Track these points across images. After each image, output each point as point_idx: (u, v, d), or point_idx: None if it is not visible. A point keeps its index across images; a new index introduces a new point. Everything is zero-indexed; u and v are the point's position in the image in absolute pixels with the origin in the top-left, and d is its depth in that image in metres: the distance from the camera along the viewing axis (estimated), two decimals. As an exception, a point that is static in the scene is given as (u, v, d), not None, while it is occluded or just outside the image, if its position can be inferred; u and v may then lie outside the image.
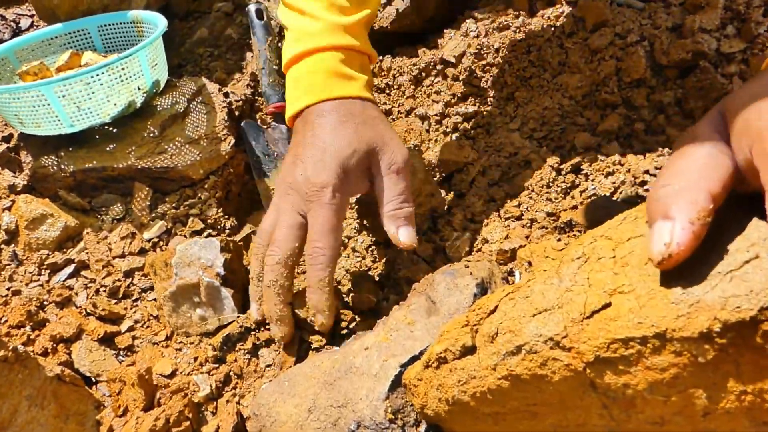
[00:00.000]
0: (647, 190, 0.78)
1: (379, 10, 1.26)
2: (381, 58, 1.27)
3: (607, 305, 0.42)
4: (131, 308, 1.01)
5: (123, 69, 1.08)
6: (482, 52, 1.14)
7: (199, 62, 1.46)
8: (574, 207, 0.87)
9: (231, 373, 0.83)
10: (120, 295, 1.03)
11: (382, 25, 1.26)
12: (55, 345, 0.94)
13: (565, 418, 0.46)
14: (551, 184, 0.94)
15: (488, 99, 1.13)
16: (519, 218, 0.92)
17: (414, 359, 0.59)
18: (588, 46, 1.01)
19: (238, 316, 0.87)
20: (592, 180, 0.89)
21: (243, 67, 1.43)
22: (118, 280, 1.04)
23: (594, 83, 1.01)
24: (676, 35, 0.93)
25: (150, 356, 0.90)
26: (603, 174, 0.87)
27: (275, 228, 0.81)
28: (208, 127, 1.20)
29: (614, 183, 0.83)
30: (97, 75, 1.06)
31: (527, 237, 0.81)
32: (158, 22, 1.21)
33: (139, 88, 1.14)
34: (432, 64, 1.20)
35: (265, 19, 1.32)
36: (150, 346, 0.94)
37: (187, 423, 0.77)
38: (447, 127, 1.17)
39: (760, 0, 0.90)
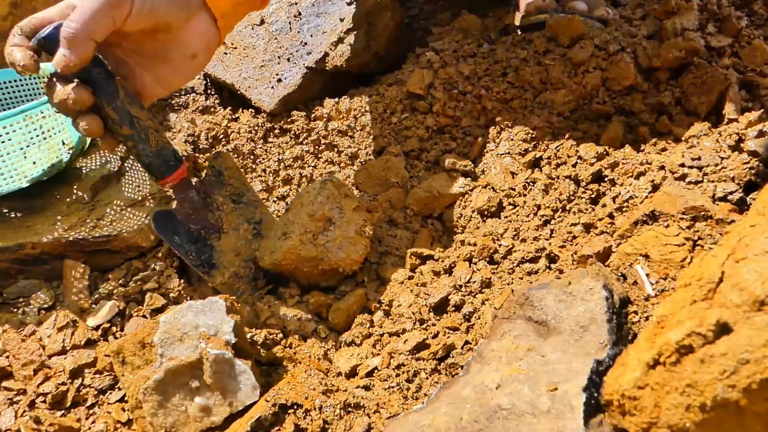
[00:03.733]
0: (698, 184, 0.74)
1: (331, 49, 1.18)
2: (337, 100, 1.17)
3: None
4: (86, 417, 0.75)
5: (44, 117, 0.87)
6: (453, 81, 1.09)
7: (115, 125, 1.25)
8: (610, 215, 0.81)
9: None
10: (68, 404, 0.76)
11: (336, 64, 1.17)
12: (-17, 489, 0.66)
13: None
14: (572, 198, 0.88)
15: (467, 128, 1.08)
16: (551, 236, 0.84)
17: (595, 377, 0.46)
18: (569, 60, 1.00)
19: (263, 394, 0.67)
20: (621, 184, 0.84)
21: (171, 127, 1.24)
22: (62, 383, 0.78)
23: (581, 96, 0.99)
24: (657, 40, 0.96)
25: None
26: (632, 176, 0.83)
27: None
28: (152, 185, 1.00)
29: (652, 181, 0.79)
30: (11, 125, 0.84)
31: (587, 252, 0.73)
32: (78, 70, 1.01)
33: (63, 143, 0.92)
34: (397, 99, 1.13)
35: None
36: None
37: None
38: (428, 161, 1.08)
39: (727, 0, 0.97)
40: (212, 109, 1.29)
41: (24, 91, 1.08)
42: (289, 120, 1.17)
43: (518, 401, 0.46)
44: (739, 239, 0.41)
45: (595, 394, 0.46)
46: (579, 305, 0.55)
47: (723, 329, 0.38)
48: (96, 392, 0.78)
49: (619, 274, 0.64)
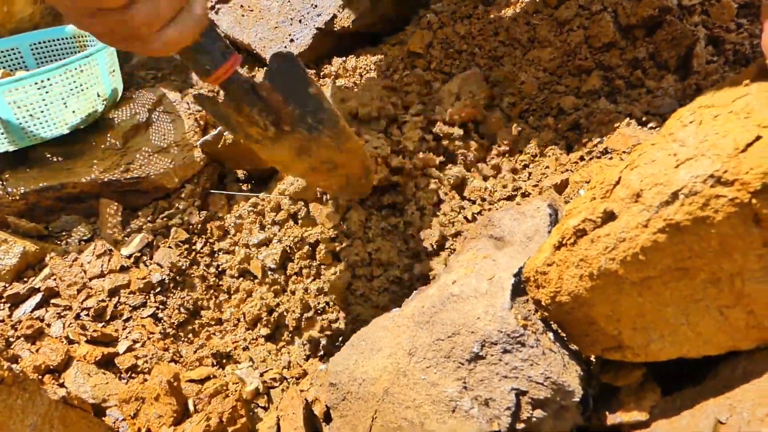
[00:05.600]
0: (653, 129, 0.82)
1: (339, 11, 1.27)
2: (344, 58, 1.27)
3: (759, 137, 0.44)
4: (123, 328, 0.89)
5: (82, 71, 0.99)
6: (449, 40, 1.17)
7: (143, 84, 1.37)
8: (581, 158, 0.90)
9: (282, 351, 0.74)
10: (107, 317, 0.90)
11: (343, 26, 1.26)
12: (40, 377, 0.79)
13: (720, 269, 0.46)
14: (550, 144, 0.97)
15: (462, 83, 1.16)
16: (529, 178, 0.94)
17: (521, 272, 0.57)
18: (555, 20, 1.08)
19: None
20: (593, 131, 0.93)
21: (192, 86, 1.36)
22: (102, 300, 0.91)
23: (566, 53, 1.07)
24: (636, 0, 1.03)
25: (167, 370, 0.78)
26: (603, 124, 0.92)
27: None
28: (176, 134, 1.11)
29: (617, 127, 0.88)
30: (53, 78, 0.96)
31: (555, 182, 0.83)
32: (109, 31, 1.12)
33: (98, 95, 1.04)
34: (399, 58, 1.22)
35: None
36: (161, 363, 0.82)
37: (243, 420, 0.67)
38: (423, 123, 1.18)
39: (701, -38, 1.03)
40: (230, 69, 1.40)
41: (63, 48, 1.20)
42: (299, 78, 1.27)
43: (466, 288, 0.57)
44: (639, 153, 0.51)
45: (523, 279, 0.57)
46: (528, 221, 0.65)
47: (610, 216, 0.48)
48: (130, 308, 0.91)
49: (568, 198, 0.74)
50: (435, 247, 0.91)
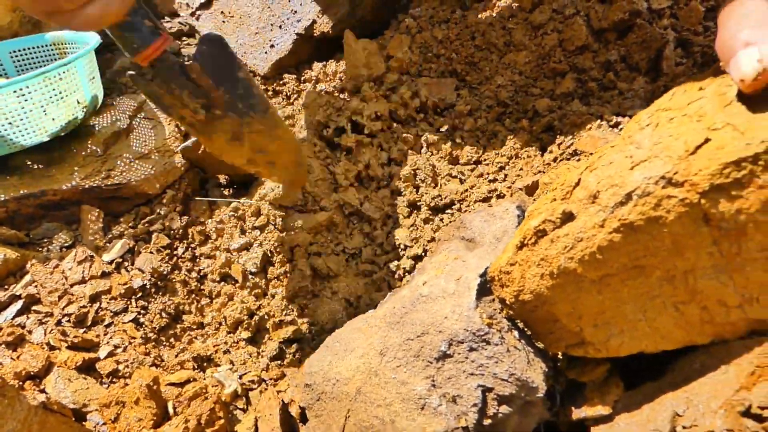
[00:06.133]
0: (621, 130, 0.84)
1: (318, 17, 1.28)
2: (324, 63, 1.28)
3: (708, 140, 0.45)
4: (104, 334, 0.89)
5: (61, 79, 1.00)
6: (428, 44, 1.19)
7: (125, 91, 1.38)
8: (555, 159, 0.92)
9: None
10: (88, 323, 0.90)
11: (323, 31, 1.28)
12: (21, 383, 0.80)
13: (674, 266, 0.48)
14: (525, 146, 0.99)
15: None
16: (504, 180, 0.96)
17: (487, 272, 0.58)
18: (530, 24, 1.10)
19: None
20: (566, 133, 0.95)
21: (174, 91, 1.36)
22: (83, 306, 0.92)
23: (540, 56, 1.09)
24: (608, 4, 1.05)
25: (147, 374, 0.79)
26: (576, 125, 0.94)
27: None
28: (157, 140, 1.12)
29: (590, 129, 0.90)
30: (32, 86, 0.96)
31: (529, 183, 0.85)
32: (88, 38, 1.13)
33: (78, 102, 1.05)
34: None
35: None
36: (142, 367, 0.83)
37: (221, 422, 0.68)
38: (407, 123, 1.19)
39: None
40: (212, 75, 1.41)
41: (43, 55, 1.20)
42: (281, 83, 1.29)
43: (435, 289, 0.59)
44: (599, 156, 0.53)
45: (488, 279, 0.58)
46: (497, 223, 0.67)
47: (568, 217, 0.50)
48: (111, 314, 0.92)
49: (537, 199, 0.76)
50: (407, 246, 0.92)
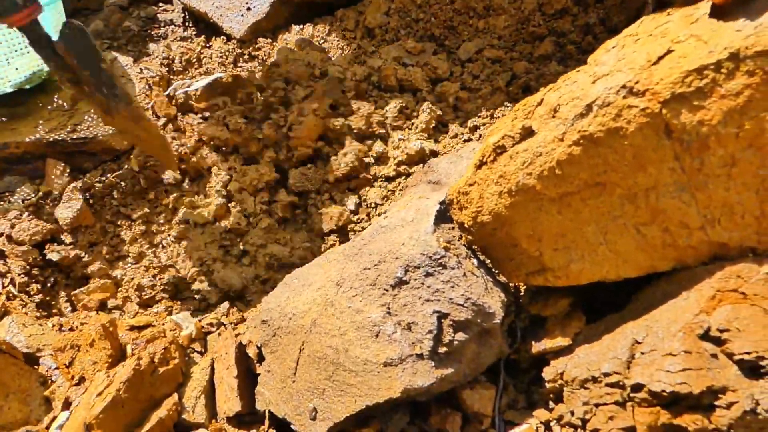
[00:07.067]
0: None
1: (297, -19, 1.26)
2: (302, 27, 1.26)
3: (671, 50, 0.44)
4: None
5: (27, 29, 0.97)
6: (406, 9, 1.18)
7: (97, 53, 1.35)
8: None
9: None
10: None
11: (302, -5, 1.26)
12: (-27, 329, 0.77)
13: (635, 183, 0.46)
14: (501, 105, 0.98)
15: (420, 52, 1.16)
16: (479, 139, 0.94)
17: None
18: (510, -13, 1.09)
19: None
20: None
21: (149, 54, 1.34)
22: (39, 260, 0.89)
23: (520, 21, 1.08)
24: (588, -33, 1.04)
25: (104, 317, 0.77)
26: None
27: None
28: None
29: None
30: (-4, 34, 0.94)
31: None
32: (56, -8, 1.10)
33: (44, 54, 1.02)
34: (356, 24, 1.22)
35: None
36: (100, 313, 0.81)
37: (176, 361, 0.66)
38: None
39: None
40: (189, 39, 1.38)
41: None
42: (256, 47, 1.27)
43: (395, 220, 0.57)
44: (564, 79, 0.51)
45: (446, 202, 0.57)
46: (464, 162, 0.66)
47: (528, 132, 0.48)
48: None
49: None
50: (377, 204, 0.91)
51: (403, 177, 0.95)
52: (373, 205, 0.92)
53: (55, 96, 1.06)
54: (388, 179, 0.95)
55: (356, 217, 0.91)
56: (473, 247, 0.54)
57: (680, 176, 0.46)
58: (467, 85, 1.07)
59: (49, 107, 1.05)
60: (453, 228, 0.55)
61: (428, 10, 1.17)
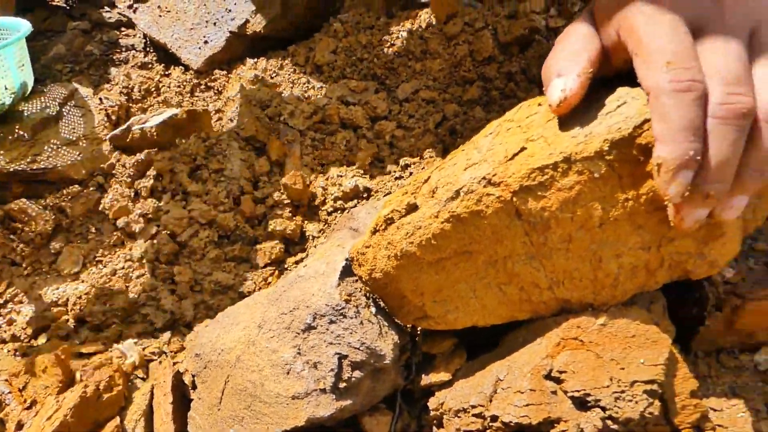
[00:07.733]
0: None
1: (251, 17, 1.35)
2: (256, 60, 1.34)
3: (524, 149, 0.54)
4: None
5: (-11, 66, 1.03)
6: (352, 48, 1.27)
7: (59, 78, 1.41)
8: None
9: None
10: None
11: (255, 30, 1.34)
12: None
13: (495, 252, 0.57)
14: (429, 146, 1.08)
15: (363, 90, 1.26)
16: (408, 177, 1.04)
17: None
18: (444, 35, 1.19)
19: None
20: (467, 137, 1.04)
21: (110, 80, 1.40)
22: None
23: (453, 65, 1.18)
24: (514, 19, 1.14)
25: (57, 345, 0.85)
26: (474, 131, 1.03)
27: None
28: (86, 128, 1.17)
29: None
30: (-40, 72, 1.00)
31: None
32: (20, 25, 1.16)
33: (6, 88, 1.09)
34: (307, 60, 1.31)
35: None
36: (54, 340, 0.88)
37: (119, 388, 0.74)
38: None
39: (571, -12, 1.16)
40: (149, 66, 1.46)
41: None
42: (213, 77, 1.35)
43: (310, 270, 0.67)
44: (451, 157, 0.61)
45: (348, 259, 0.67)
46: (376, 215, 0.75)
47: (412, 208, 0.58)
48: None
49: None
50: (314, 237, 1.00)
51: (339, 212, 1.04)
52: (311, 237, 1.01)
53: (16, 126, 1.13)
54: (328, 213, 1.04)
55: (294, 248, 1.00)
56: (373, 295, 0.64)
57: (530, 248, 0.56)
58: (403, 124, 1.17)
59: (10, 137, 1.11)
60: (356, 280, 0.64)
61: (372, 51, 1.26)
